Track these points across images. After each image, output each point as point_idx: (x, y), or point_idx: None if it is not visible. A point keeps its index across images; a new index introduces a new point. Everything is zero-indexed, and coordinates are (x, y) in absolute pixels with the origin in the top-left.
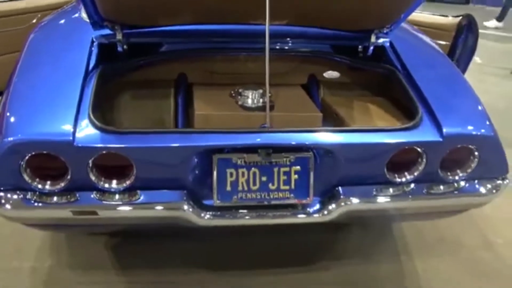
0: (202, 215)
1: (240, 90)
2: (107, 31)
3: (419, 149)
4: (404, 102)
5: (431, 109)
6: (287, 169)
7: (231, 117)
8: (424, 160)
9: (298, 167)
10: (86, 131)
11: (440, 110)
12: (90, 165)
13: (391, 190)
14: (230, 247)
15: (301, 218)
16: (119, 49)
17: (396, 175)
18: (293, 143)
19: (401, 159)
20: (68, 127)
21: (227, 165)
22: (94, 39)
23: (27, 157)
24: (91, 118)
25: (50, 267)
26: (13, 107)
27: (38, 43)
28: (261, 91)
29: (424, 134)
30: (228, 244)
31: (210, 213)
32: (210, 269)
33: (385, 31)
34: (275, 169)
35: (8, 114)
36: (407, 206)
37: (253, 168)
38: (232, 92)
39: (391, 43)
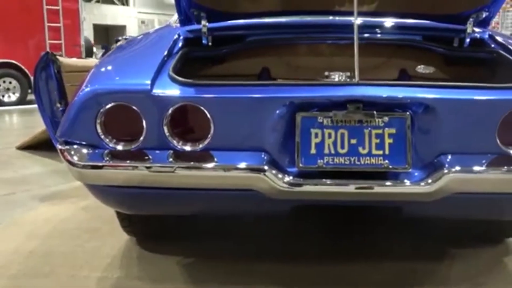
0: (285, 179)
1: (326, 74)
2: (192, 27)
3: None
4: None
5: None
6: (379, 131)
7: None
8: None
9: (393, 130)
10: (165, 83)
11: None
12: (167, 119)
13: (504, 161)
14: (311, 270)
15: (398, 187)
16: (204, 41)
17: (510, 145)
18: (386, 95)
19: None
20: (146, 80)
21: (312, 124)
22: (180, 34)
23: (103, 109)
24: (170, 74)
25: (118, 278)
26: (97, 67)
27: (123, 45)
28: (348, 73)
29: None
30: (309, 266)
31: (293, 178)
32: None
33: (483, 16)
34: (366, 131)
35: (92, 71)
36: None
37: (341, 129)
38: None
39: (491, 36)
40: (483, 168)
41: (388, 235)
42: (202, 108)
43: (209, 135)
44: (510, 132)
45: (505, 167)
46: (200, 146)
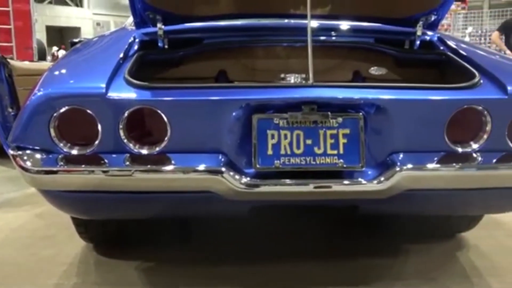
0: (243, 180)
1: (281, 76)
2: (148, 30)
3: (482, 110)
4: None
5: (493, 75)
6: (334, 131)
7: None
8: (489, 123)
9: (347, 130)
10: (120, 86)
11: (502, 74)
12: (123, 122)
13: (453, 158)
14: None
15: (353, 186)
16: (160, 44)
17: (458, 143)
18: (340, 96)
19: (462, 123)
20: (101, 83)
21: (268, 126)
22: (135, 37)
23: (57, 113)
24: (126, 77)
25: (75, 285)
26: (51, 70)
27: (77, 48)
28: (304, 75)
29: (486, 92)
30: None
31: (250, 179)
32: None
33: (432, 19)
34: (321, 132)
35: (45, 75)
36: (473, 176)
37: (296, 130)
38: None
39: (440, 38)
40: (433, 165)
41: (342, 232)
42: (158, 111)
43: (166, 138)
44: (457, 131)
45: (453, 164)
46: (157, 149)
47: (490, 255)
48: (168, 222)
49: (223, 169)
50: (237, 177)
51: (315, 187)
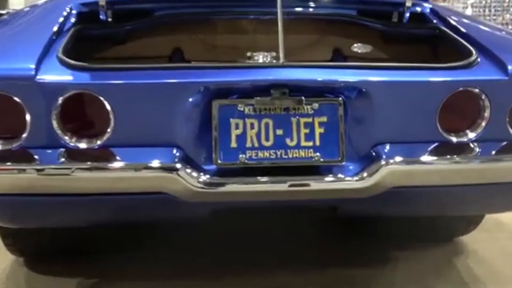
0: (201, 178)
1: (248, 55)
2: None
3: (479, 93)
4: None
5: (491, 52)
6: (309, 119)
7: None
8: (487, 109)
9: (323, 118)
10: (53, 67)
11: (503, 51)
12: (56, 111)
13: (447, 149)
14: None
15: (331, 183)
16: (102, 17)
17: (452, 132)
18: (315, 78)
19: (457, 109)
20: (30, 63)
21: (231, 113)
22: (72, 7)
23: None
24: (60, 56)
25: None
26: None
27: (3, 21)
28: (274, 54)
29: (484, 72)
30: None
31: (210, 176)
32: None
33: None
34: (293, 120)
35: None
36: (470, 170)
37: (265, 118)
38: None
39: (433, 10)
40: (424, 158)
41: (330, 237)
42: (99, 97)
43: (109, 129)
44: (451, 118)
45: (448, 156)
46: (98, 142)
47: (490, 260)
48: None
49: (178, 165)
50: (194, 174)
51: (290, 186)
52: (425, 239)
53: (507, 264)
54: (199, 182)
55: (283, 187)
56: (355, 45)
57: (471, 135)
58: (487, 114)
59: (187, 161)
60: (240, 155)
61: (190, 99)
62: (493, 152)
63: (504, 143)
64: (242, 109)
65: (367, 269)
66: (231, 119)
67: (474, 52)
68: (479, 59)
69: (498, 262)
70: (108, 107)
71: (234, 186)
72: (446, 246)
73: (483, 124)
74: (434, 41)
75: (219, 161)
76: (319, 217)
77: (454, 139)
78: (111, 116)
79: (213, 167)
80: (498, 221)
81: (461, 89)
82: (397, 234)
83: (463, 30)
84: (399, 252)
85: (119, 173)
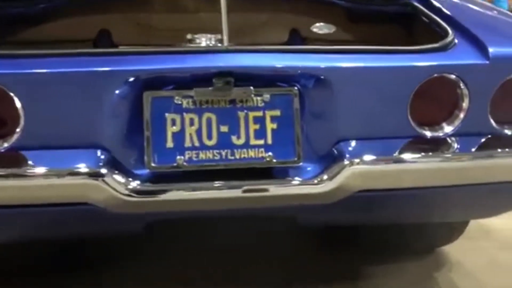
0: (131, 185)
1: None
2: None
3: (456, 80)
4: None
5: (471, 33)
6: (259, 113)
7: None
8: (466, 98)
9: (277, 111)
10: None
11: (484, 31)
12: None
13: (421, 146)
14: None
15: (286, 188)
16: None
17: (426, 126)
18: (266, 65)
19: (431, 99)
20: None
21: (166, 107)
22: None
23: None
24: None
25: None
26: None
27: None
28: (219, 36)
29: (462, 55)
30: None
31: (142, 183)
32: None
33: None
34: (241, 114)
35: None
36: (447, 169)
37: (206, 113)
38: None
39: None
40: (394, 156)
41: (291, 249)
42: (5, 90)
43: (18, 129)
44: (425, 109)
45: (421, 153)
46: (5, 145)
47: (477, 273)
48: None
49: (103, 170)
50: (122, 181)
51: (244, 192)
52: (403, 250)
53: (495, 277)
54: (127, 189)
55: (229, 193)
56: (316, 25)
57: (448, 128)
58: (465, 104)
59: (114, 165)
60: (178, 157)
61: (117, 91)
62: (474, 148)
63: (486, 137)
64: (179, 102)
65: (337, 285)
66: (166, 114)
67: (450, 32)
68: (456, 41)
69: (485, 275)
70: (16, 102)
71: (170, 194)
72: (427, 258)
73: (461, 115)
74: (406, 20)
75: (152, 165)
76: (279, 228)
77: (429, 134)
78: (21, 113)
79: (145, 171)
80: (484, 228)
81: (435, 75)
82: (370, 245)
83: (438, 6)
84: (374, 266)
85: (28, 181)
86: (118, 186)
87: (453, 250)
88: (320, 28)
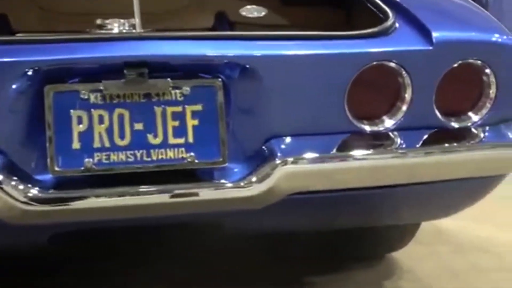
0: (31, 192)
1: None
2: None
3: (396, 68)
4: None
5: (412, 15)
6: (178, 108)
7: None
8: (408, 87)
9: (198, 106)
10: None
11: (427, 13)
12: None
13: (360, 142)
14: None
15: (209, 192)
16: None
17: (365, 120)
18: (185, 53)
19: (370, 90)
20: None
21: (72, 103)
22: None
23: None
24: None
25: None
26: None
27: None
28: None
29: (403, 40)
30: None
31: (44, 190)
32: None
33: None
34: (158, 109)
35: None
36: (389, 167)
37: (118, 109)
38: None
39: None
40: (332, 153)
41: (219, 257)
42: None
43: None
44: (363, 101)
45: (361, 150)
46: None
47: (430, 280)
48: None
49: None
50: (21, 187)
51: (173, 197)
52: (348, 257)
53: (448, 283)
54: (26, 197)
55: (140, 200)
56: (245, 7)
57: (389, 122)
58: (408, 95)
59: (12, 169)
60: (86, 160)
61: (14, 85)
62: (418, 144)
63: (432, 130)
64: (86, 96)
65: None
66: (71, 111)
67: (391, 15)
68: (397, 24)
69: (440, 282)
70: None
71: (77, 202)
72: (375, 265)
73: (404, 108)
74: (344, 2)
75: (56, 169)
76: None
77: (368, 128)
78: None
79: (48, 176)
80: (437, 231)
81: (374, 63)
82: (312, 252)
83: None
84: (315, 276)
85: None
86: (15, 193)
87: (404, 256)
88: (249, 11)
